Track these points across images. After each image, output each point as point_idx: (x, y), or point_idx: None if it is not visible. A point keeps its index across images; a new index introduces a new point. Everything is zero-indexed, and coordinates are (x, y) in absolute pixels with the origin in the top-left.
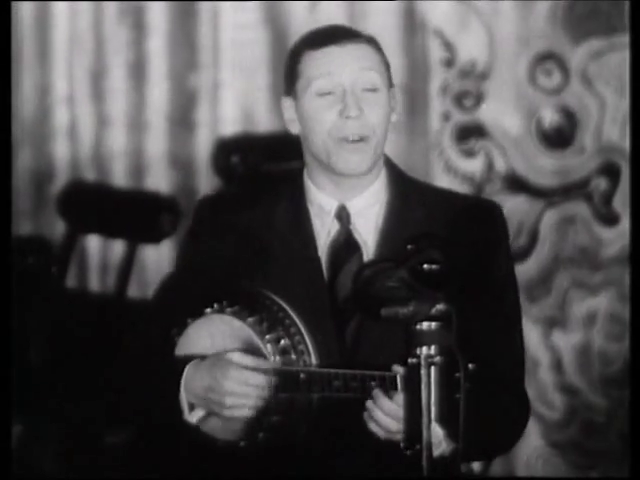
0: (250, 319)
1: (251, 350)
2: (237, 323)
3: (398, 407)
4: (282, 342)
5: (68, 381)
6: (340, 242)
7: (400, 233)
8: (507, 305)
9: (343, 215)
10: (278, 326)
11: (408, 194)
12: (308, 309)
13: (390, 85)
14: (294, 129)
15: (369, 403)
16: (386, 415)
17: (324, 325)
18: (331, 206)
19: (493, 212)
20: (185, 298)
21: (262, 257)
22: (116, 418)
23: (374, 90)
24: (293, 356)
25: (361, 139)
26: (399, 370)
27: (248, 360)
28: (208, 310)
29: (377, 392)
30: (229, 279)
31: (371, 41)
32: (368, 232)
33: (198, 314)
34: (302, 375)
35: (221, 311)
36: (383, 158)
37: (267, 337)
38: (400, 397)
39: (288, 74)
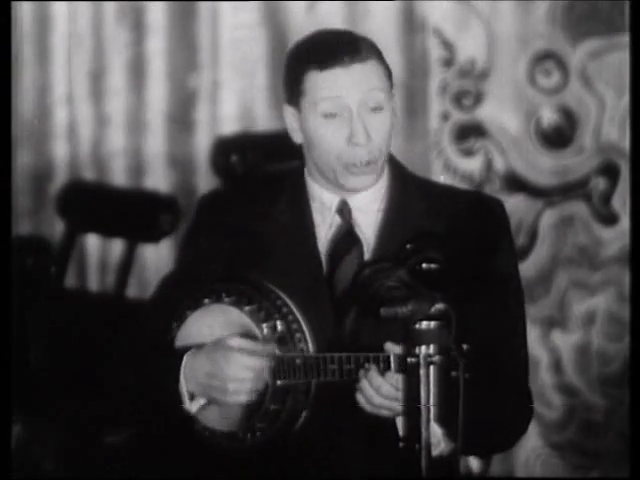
0: (247, 307)
1: (248, 337)
2: (235, 311)
3: (385, 382)
4: (279, 329)
5: (67, 381)
6: (341, 236)
7: (401, 228)
8: (510, 302)
9: (344, 210)
10: (275, 314)
11: (409, 189)
12: (307, 300)
13: (391, 90)
14: (297, 139)
15: (360, 373)
16: (371, 387)
17: (322, 315)
18: (332, 201)
19: (495, 208)
20: (185, 294)
21: (263, 251)
22: (117, 417)
23: (380, 109)
24: (290, 344)
25: (369, 163)
26: (392, 348)
27: (247, 344)
28: (206, 300)
29: (371, 367)
30: (230, 272)
31: (372, 51)
32: (369, 227)
33: (196, 305)
34: (298, 360)
35: (219, 301)
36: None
37: (264, 325)
38: (392, 375)
39: (290, 86)
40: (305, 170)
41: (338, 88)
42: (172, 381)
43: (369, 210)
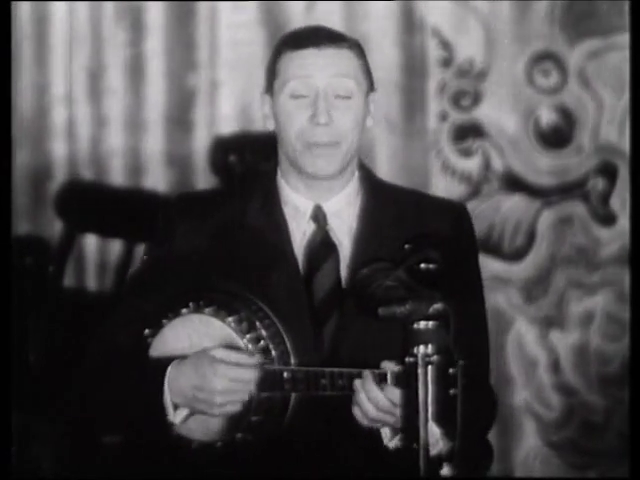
0: (229, 319)
1: (232, 349)
2: (217, 323)
3: (383, 396)
4: (262, 342)
5: (66, 381)
6: (316, 243)
7: (375, 234)
8: (476, 303)
9: (319, 216)
10: (257, 326)
11: (380, 196)
12: (286, 309)
13: (369, 90)
14: (270, 126)
15: (357, 384)
16: (369, 400)
17: (302, 325)
18: (306, 207)
19: (461, 213)
20: (158, 298)
21: (236, 256)
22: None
23: (347, 97)
24: (273, 355)
25: (330, 144)
26: (389, 366)
27: (233, 356)
28: (184, 310)
29: (367, 377)
30: (204, 278)
31: (354, 46)
32: (343, 233)
33: (174, 314)
34: (286, 374)
35: (198, 311)
36: (357, 161)
37: (247, 336)
38: (389, 389)
39: (267, 72)
40: (278, 171)
41: (307, 68)
42: (155, 392)
43: (343, 215)
